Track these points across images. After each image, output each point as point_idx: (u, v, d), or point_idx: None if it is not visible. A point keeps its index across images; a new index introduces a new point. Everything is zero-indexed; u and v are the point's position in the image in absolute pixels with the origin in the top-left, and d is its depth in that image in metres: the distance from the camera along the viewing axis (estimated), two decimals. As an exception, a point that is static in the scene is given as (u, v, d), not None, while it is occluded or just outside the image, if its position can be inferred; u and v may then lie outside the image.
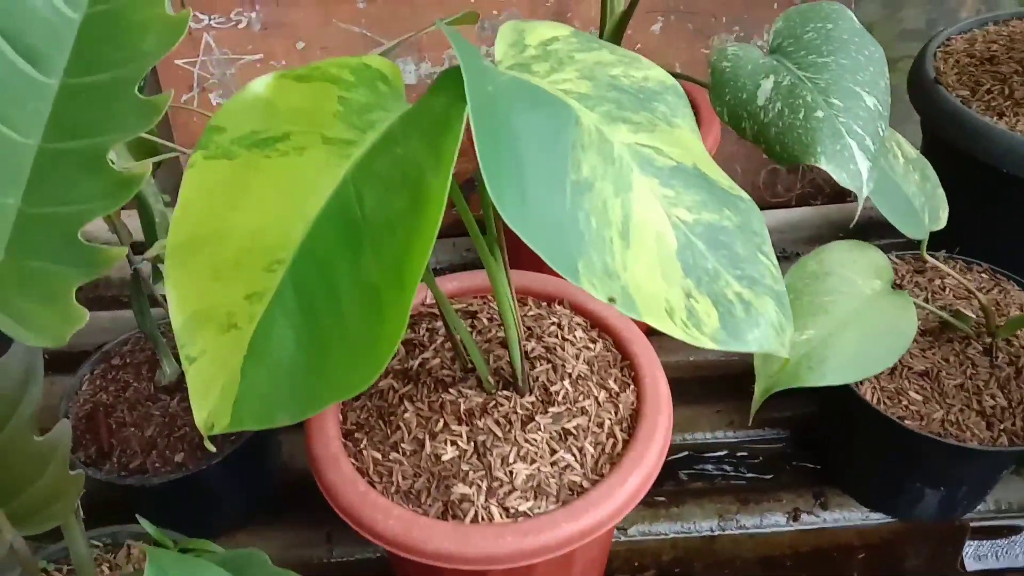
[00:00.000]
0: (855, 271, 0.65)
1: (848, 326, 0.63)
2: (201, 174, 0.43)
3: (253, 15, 1.06)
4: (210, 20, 1.05)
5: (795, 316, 0.64)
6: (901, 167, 0.66)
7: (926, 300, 0.79)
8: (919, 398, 0.72)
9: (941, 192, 0.68)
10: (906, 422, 0.70)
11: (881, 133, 0.59)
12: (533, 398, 0.58)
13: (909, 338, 0.64)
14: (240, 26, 1.06)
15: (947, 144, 0.87)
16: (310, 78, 0.43)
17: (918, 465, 0.74)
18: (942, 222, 0.68)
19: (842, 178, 0.56)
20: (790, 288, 0.64)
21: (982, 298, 0.72)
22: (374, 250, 0.39)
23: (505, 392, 0.58)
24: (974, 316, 0.74)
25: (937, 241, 0.72)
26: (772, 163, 1.12)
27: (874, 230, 1.01)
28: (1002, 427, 0.69)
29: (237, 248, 0.42)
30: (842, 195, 1.18)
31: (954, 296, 0.79)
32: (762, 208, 1.25)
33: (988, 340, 0.74)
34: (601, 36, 0.81)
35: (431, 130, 0.38)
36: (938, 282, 0.80)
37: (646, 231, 0.41)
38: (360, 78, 0.43)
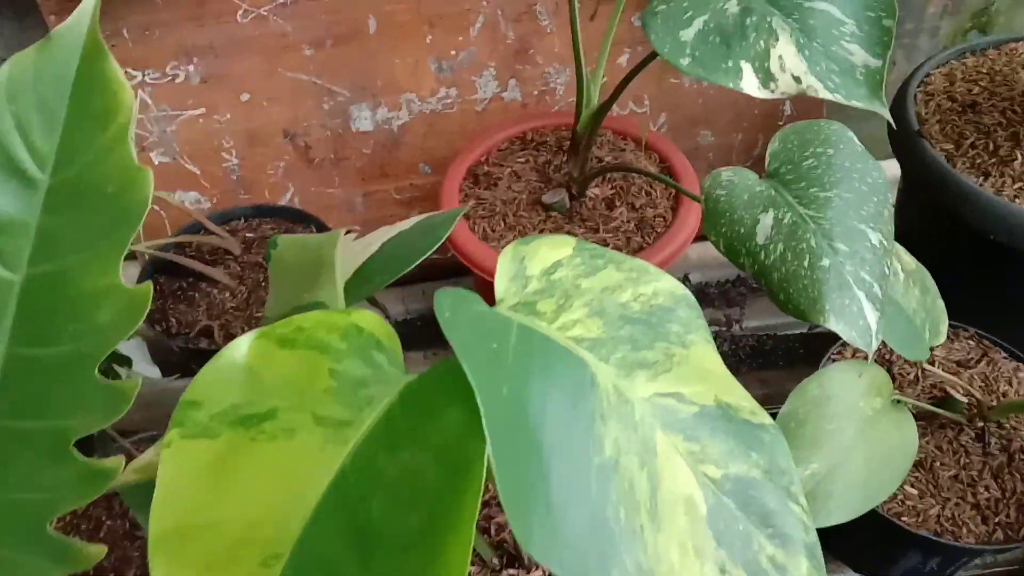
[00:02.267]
0: (856, 392, 0.63)
1: (852, 455, 0.62)
2: (180, 456, 0.39)
3: (191, 68, 0.97)
4: (144, 76, 0.97)
5: (799, 447, 0.62)
6: (902, 284, 0.63)
7: (916, 378, 0.78)
8: (915, 492, 0.72)
9: (941, 303, 0.66)
10: (903, 519, 0.70)
11: (887, 272, 0.56)
12: (540, 572, 0.56)
13: (911, 457, 0.63)
14: (178, 80, 0.98)
15: (931, 203, 0.85)
16: (295, 343, 0.39)
17: (914, 550, 0.75)
18: (942, 336, 0.66)
19: (851, 336, 0.54)
20: (792, 415, 0.63)
21: (976, 393, 0.71)
22: (386, 565, 0.35)
23: (511, 570, 0.56)
24: (965, 400, 0.74)
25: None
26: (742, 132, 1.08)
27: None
28: (997, 520, 0.70)
29: (230, 539, 0.38)
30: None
31: (943, 370, 0.78)
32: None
33: (980, 424, 0.74)
34: (575, 129, 0.76)
35: (445, 458, 0.34)
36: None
37: (675, 501, 0.38)
38: (352, 345, 0.39)
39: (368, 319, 0.39)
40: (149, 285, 0.38)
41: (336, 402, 0.38)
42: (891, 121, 0.50)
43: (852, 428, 0.63)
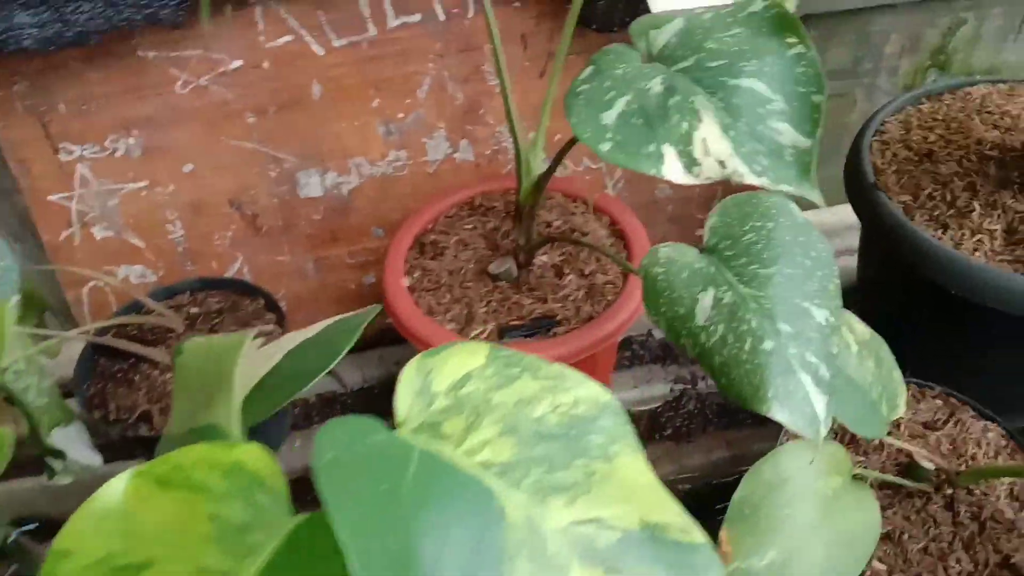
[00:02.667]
0: (813, 473, 0.60)
1: (812, 540, 0.58)
2: (51, 613, 0.35)
3: (131, 141, 0.95)
4: (82, 151, 0.94)
5: (755, 535, 0.59)
6: (855, 357, 0.61)
7: (881, 444, 0.75)
8: (883, 568, 0.68)
9: (898, 374, 0.64)
10: (873, 597, 0.67)
11: (835, 351, 0.54)
12: None
13: (875, 538, 0.60)
14: (117, 153, 0.95)
15: (891, 253, 0.83)
16: (172, 484, 0.35)
17: (886, 628, 0.71)
18: (901, 409, 0.63)
19: (797, 426, 0.51)
20: (746, 501, 0.59)
21: (941, 461, 0.68)
22: None
23: None
24: (932, 467, 0.71)
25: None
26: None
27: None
28: (970, 595, 0.67)
29: None
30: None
31: (909, 434, 0.75)
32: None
33: (949, 492, 0.71)
34: (517, 199, 0.73)
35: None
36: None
37: (593, 645, 0.35)
38: (233, 485, 0.35)
39: (252, 454, 0.36)
40: (11, 432, 0.35)
41: (217, 550, 0.35)
42: (822, 204, 0.47)
43: (811, 511, 0.60)
